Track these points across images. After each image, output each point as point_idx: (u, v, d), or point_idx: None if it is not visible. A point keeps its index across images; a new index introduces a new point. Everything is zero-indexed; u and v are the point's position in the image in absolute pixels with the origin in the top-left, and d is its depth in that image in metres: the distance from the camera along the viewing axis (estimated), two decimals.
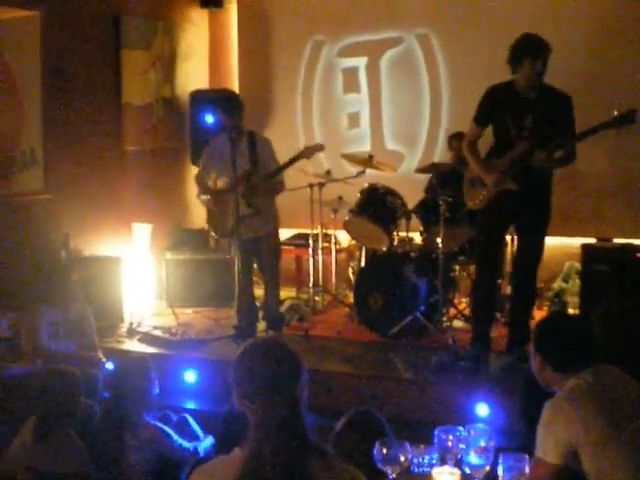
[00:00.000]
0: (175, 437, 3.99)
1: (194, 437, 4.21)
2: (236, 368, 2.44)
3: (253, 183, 5.88)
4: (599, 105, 5.12)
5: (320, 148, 6.16)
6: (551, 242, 6.30)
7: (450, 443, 2.80)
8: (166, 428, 3.99)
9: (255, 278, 6.45)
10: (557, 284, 7.03)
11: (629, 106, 4.86)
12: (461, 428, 2.90)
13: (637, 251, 6.15)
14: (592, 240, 6.55)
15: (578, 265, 6.63)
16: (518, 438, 4.25)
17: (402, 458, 2.67)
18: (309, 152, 6.03)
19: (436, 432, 2.87)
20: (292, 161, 5.95)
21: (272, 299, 6.21)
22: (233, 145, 5.78)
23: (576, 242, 6.73)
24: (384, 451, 2.68)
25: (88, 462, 3.75)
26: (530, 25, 5.81)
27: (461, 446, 2.80)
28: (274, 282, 6.20)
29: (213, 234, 6.33)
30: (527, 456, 2.79)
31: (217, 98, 7.78)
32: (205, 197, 6.13)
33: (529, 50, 5.01)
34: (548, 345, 3.02)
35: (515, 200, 5.14)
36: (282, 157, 6.13)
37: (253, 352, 2.46)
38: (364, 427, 3.12)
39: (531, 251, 5.34)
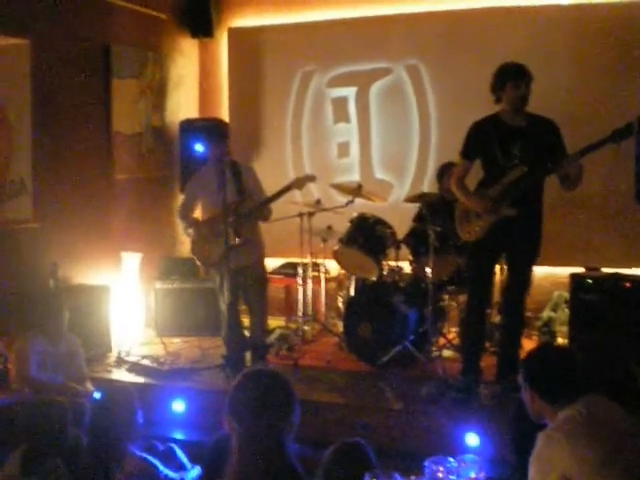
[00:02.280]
0: (161, 468, 3.94)
1: (181, 467, 4.17)
2: (235, 387, 2.50)
3: (241, 213, 5.89)
4: (588, 133, 5.15)
5: (311, 179, 6.17)
6: (540, 271, 6.34)
7: (440, 474, 2.79)
8: (152, 459, 3.95)
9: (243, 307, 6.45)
10: (546, 313, 7.04)
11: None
12: (451, 459, 2.89)
13: (626, 281, 6.16)
14: (580, 269, 6.56)
15: (567, 294, 6.64)
16: (508, 468, 4.24)
17: None
18: (300, 183, 6.04)
19: (426, 463, 2.85)
20: (283, 192, 5.95)
21: (257, 328, 6.17)
22: (222, 175, 5.79)
23: (564, 272, 6.76)
24: None
25: None
26: (518, 56, 5.84)
27: (452, 477, 2.79)
28: (260, 312, 6.16)
29: (199, 264, 6.30)
30: None
31: (206, 127, 7.82)
32: (192, 230, 6.13)
33: (511, 74, 5.10)
34: (538, 377, 3.02)
35: (508, 230, 5.15)
36: (272, 186, 6.14)
37: (255, 377, 2.53)
38: (351, 458, 3.10)
39: (521, 281, 5.34)
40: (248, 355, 6.18)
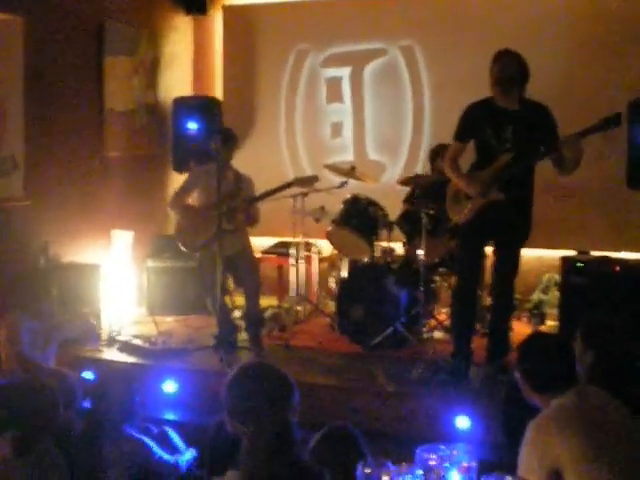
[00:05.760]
0: (156, 449, 3.97)
1: (175, 450, 4.19)
2: (228, 392, 2.46)
3: (234, 205, 5.96)
4: (579, 120, 5.15)
5: (314, 180, 6.22)
6: (530, 254, 6.36)
7: (433, 462, 2.80)
8: (147, 440, 3.97)
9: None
10: (536, 296, 7.08)
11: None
12: (443, 447, 2.90)
13: (616, 264, 6.19)
14: (571, 252, 6.59)
15: (557, 277, 6.67)
16: (499, 451, 4.27)
17: (385, 478, 2.67)
18: (301, 182, 6.13)
19: (418, 451, 2.86)
20: (282, 188, 6.04)
21: (251, 303, 6.23)
22: (220, 170, 5.83)
23: (555, 254, 6.79)
24: (366, 471, 2.68)
25: (67, 475, 3.72)
26: (512, 39, 5.85)
27: (444, 465, 2.80)
28: (254, 294, 6.22)
29: (182, 248, 6.30)
30: (509, 478, 2.79)
31: (200, 105, 7.81)
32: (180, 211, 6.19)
33: (493, 57, 5.13)
34: (529, 367, 3.04)
35: (497, 213, 5.16)
36: (264, 165, 6.20)
37: (246, 376, 2.48)
38: (339, 443, 3.11)
39: (509, 264, 5.36)
40: (239, 336, 6.25)
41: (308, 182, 6.19)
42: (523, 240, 5.35)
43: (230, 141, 6.11)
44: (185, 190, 6.26)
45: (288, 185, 6.09)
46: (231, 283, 6.64)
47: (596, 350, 3.43)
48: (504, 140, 5.13)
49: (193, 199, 6.25)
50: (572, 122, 5.09)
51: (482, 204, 5.20)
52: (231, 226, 5.93)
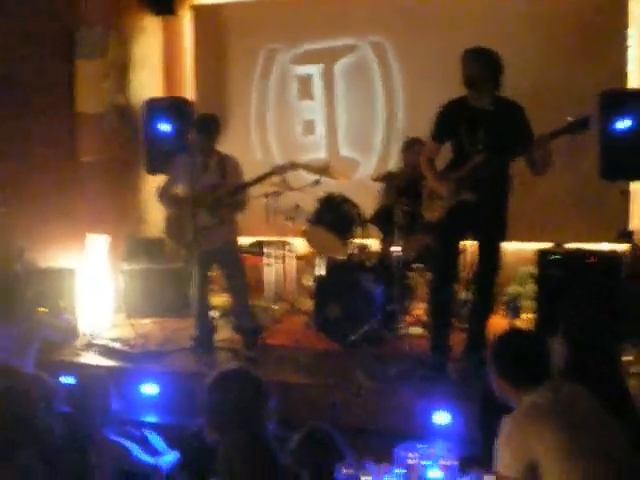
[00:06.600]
0: (136, 452, 3.97)
1: (156, 452, 4.19)
2: (206, 401, 2.47)
3: (218, 195, 5.87)
4: (551, 115, 5.17)
5: (291, 167, 6.14)
6: (506, 247, 6.39)
7: (412, 461, 2.82)
8: (127, 443, 3.97)
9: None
10: (512, 288, 7.10)
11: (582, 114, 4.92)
12: (421, 445, 2.92)
13: (591, 255, 6.24)
14: (545, 245, 6.63)
15: (533, 269, 6.71)
16: (477, 446, 4.29)
17: (364, 479, 2.69)
18: (279, 170, 6.05)
19: (397, 449, 2.88)
20: (261, 178, 5.95)
21: (244, 310, 6.17)
22: (197, 158, 5.81)
23: (530, 247, 6.82)
24: (346, 472, 2.69)
25: None
26: (482, 36, 5.87)
27: (423, 463, 2.83)
28: (241, 294, 6.14)
29: (173, 244, 6.24)
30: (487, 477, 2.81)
31: (171, 106, 7.78)
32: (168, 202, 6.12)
33: (461, 57, 5.13)
34: (503, 362, 3.07)
35: (471, 212, 5.17)
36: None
37: (222, 386, 2.49)
38: (318, 444, 3.12)
39: (488, 262, 5.38)
40: (216, 337, 6.24)
41: (288, 169, 6.14)
42: (499, 238, 5.35)
43: (209, 127, 5.94)
44: (171, 180, 6.09)
45: (268, 174, 5.99)
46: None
47: (574, 346, 3.47)
48: (477, 141, 5.12)
49: (179, 189, 6.16)
50: (542, 121, 5.12)
51: (453, 204, 5.23)
52: (216, 219, 5.87)
